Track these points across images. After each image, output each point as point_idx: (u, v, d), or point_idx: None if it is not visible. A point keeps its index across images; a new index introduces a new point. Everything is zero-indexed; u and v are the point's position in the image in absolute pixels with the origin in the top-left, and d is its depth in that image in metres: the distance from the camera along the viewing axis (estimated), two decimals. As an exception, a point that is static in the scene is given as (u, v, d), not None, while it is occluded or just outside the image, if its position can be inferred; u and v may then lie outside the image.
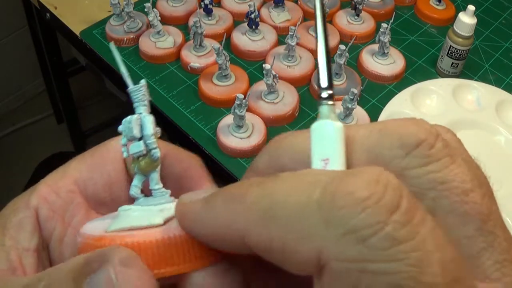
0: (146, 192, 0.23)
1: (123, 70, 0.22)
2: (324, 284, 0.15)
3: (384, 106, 0.70)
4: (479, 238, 0.16)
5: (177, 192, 0.22)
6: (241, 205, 0.17)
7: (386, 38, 0.74)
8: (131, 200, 0.23)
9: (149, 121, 0.22)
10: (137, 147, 0.22)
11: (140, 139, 0.22)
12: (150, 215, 0.21)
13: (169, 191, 0.22)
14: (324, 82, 0.19)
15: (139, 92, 0.22)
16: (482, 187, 0.17)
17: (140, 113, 0.22)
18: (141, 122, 0.22)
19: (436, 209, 0.16)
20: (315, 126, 0.19)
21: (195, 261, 0.19)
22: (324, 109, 0.19)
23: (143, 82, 0.22)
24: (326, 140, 0.18)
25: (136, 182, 0.22)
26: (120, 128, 0.22)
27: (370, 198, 0.14)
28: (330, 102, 0.19)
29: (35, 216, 0.22)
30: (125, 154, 0.22)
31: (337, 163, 0.18)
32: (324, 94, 0.19)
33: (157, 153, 0.22)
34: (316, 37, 0.20)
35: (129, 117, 0.22)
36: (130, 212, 0.21)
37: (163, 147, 0.23)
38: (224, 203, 0.17)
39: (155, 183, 0.22)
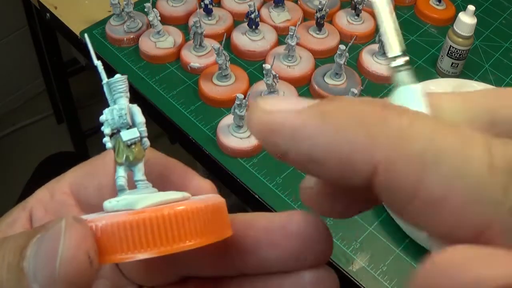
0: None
1: (98, 63, 0.22)
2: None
3: (384, 106, 0.70)
4: None
5: (160, 189, 0.22)
6: (385, 134, 0.14)
7: (386, 38, 0.74)
8: None
9: (139, 110, 0.22)
10: (133, 134, 0.21)
11: (129, 127, 0.21)
12: (168, 193, 0.21)
13: (151, 184, 0.22)
14: (396, 50, 0.18)
15: (123, 83, 0.21)
16: None
17: (124, 103, 0.21)
18: (130, 111, 0.22)
19: None
20: (397, 93, 0.17)
21: (220, 232, 0.19)
22: (402, 75, 0.18)
23: (119, 75, 0.21)
24: (412, 107, 0.16)
25: (122, 173, 0.22)
26: (103, 117, 0.21)
27: None
28: (406, 67, 0.18)
29: (28, 217, 0.23)
30: (108, 145, 0.22)
31: None
32: (399, 61, 0.18)
33: (148, 141, 0.22)
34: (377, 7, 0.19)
35: (115, 106, 0.21)
36: (142, 195, 0.21)
37: None
38: (357, 126, 0.15)
39: (142, 173, 0.22)
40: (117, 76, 0.21)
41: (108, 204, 0.21)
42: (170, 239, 0.18)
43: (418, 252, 0.59)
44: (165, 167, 0.24)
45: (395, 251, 0.59)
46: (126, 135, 0.21)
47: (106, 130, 0.21)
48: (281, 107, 0.16)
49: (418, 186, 0.14)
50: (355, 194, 0.18)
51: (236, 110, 0.63)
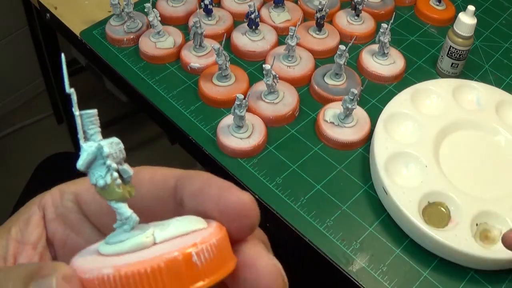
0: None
1: (71, 91, 0.21)
2: None
3: (384, 106, 0.70)
4: None
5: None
6: None
7: (386, 38, 0.74)
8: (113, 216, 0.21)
9: None
10: (129, 169, 0.21)
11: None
12: (181, 225, 0.20)
13: None
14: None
15: (95, 118, 0.20)
16: None
17: (100, 140, 0.20)
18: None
19: None
20: None
21: (219, 270, 0.19)
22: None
23: (79, 111, 0.21)
24: None
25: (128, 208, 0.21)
26: (107, 151, 0.20)
27: None
28: None
29: (42, 215, 0.24)
30: (118, 181, 0.20)
31: None
32: None
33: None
34: None
35: (113, 139, 0.20)
36: (158, 228, 0.20)
37: None
38: None
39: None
40: (87, 110, 0.20)
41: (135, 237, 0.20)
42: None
43: (418, 252, 0.59)
44: (202, 183, 0.23)
45: (395, 251, 0.59)
46: (127, 171, 0.21)
47: (114, 164, 0.20)
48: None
49: None
50: None
51: (236, 111, 0.63)
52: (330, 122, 0.68)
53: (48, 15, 0.86)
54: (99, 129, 0.20)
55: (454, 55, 0.75)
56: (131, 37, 0.79)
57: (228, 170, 0.65)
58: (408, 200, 0.59)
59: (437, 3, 0.89)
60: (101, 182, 0.20)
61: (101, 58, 0.79)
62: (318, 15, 0.78)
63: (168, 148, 1.53)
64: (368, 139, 0.69)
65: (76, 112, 0.20)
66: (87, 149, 0.20)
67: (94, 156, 0.20)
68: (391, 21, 0.75)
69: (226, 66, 0.71)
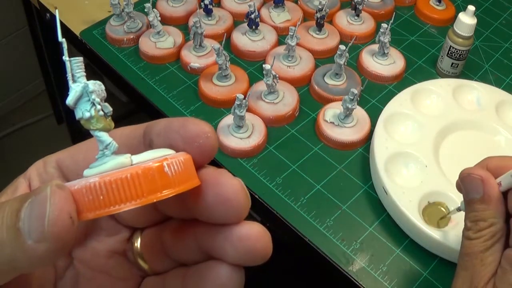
0: None
1: (63, 40, 0.23)
2: None
3: (384, 106, 0.70)
4: None
5: None
6: None
7: (386, 38, 0.74)
8: None
9: None
10: (109, 106, 0.24)
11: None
12: (152, 153, 0.24)
13: None
14: None
15: (81, 63, 0.23)
16: None
17: (86, 82, 0.23)
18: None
19: None
20: None
21: (186, 182, 0.23)
22: None
23: (70, 58, 0.23)
24: None
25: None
26: (92, 87, 0.23)
27: None
28: None
29: (28, 184, 0.27)
30: (101, 113, 0.24)
31: None
32: None
33: None
34: None
35: (96, 81, 0.23)
36: (132, 157, 0.23)
37: None
38: None
39: None
40: (75, 57, 0.23)
41: (89, 171, 0.23)
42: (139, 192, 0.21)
43: (418, 252, 0.59)
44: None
45: (395, 251, 0.59)
46: (108, 107, 0.24)
47: (97, 99, 0.23)
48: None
49: None
50: None
51: (236, 110, 0.63)
52: (330, 122, 0.68)
53: (48, 15, 0.86)
54: (84, 74, 0.23)
55: (454, 55, 0.75)
56: (131, 37, 0.79)
57: (228, 170, 0.65)
58: (408, 200, 0.59)
59: (437, 3, 0.89)
60: (86, 114, 0.23)
61: (101, 58, 0.79)
62: (318, 15, 0.78)
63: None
64: (368, 139, 0.69)
65: (66, 58, 0.23)
66: (75, 87, 0.23)
67: (81, 93, 0.23)
68: (391, 21, 0.75)
69: (226, 66, 0.71)
